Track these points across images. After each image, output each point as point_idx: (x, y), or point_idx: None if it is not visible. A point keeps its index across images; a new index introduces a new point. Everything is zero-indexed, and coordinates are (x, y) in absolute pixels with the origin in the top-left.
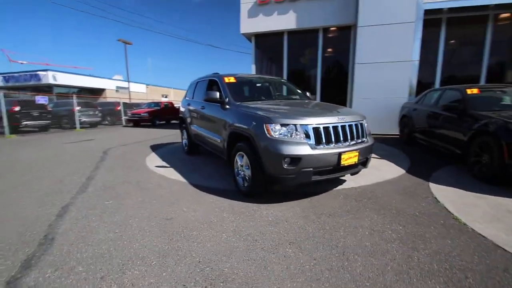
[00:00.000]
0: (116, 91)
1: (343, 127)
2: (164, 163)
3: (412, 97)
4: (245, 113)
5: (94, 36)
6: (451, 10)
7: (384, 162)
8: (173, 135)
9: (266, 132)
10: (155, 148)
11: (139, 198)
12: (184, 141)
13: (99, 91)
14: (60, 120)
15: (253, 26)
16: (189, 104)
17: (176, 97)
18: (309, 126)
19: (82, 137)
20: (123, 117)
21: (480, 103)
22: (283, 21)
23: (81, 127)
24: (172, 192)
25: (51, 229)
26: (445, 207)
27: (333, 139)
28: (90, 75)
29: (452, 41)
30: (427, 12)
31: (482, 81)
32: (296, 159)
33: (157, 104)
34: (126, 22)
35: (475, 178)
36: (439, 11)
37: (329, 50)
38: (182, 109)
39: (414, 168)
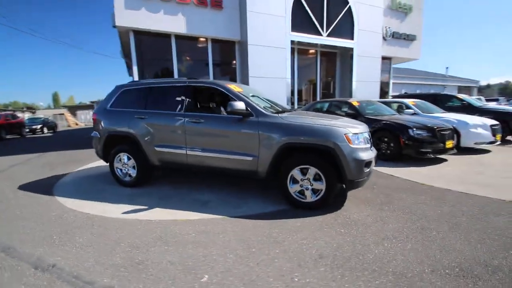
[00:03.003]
0: None
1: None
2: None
3: (292, 106)
4: (309, 125)
5: None
6: (298, 43)
7: None
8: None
9: (347, 142)
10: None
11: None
12: (127, 169)
13: None
14: None
15: (132, 19)
16: (142, 118)
17: None
18: (365, 134)
19: None
20: None
21: (363, 110)
22: (171, 22)
23: None
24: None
25: None
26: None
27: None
28: None
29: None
30: (292, 42)
31: (318, 94)
32: (369, 163)
33: None
34: None
35: (383, 160)
36: (293, 42)
37: (218, 60)
38: (118, 127)
39: None
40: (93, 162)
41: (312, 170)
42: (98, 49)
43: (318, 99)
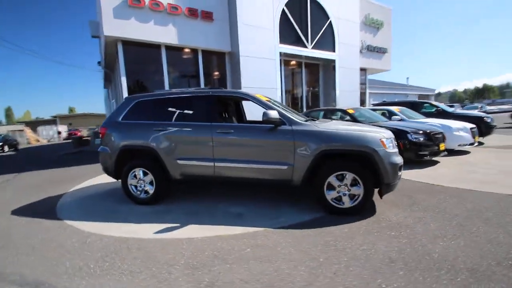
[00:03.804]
0: None
1: None
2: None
3: None
4: (345, 132)
5: None
6: (285, 54)
7: None
8: None
9: (383, 147)
10: None
11: None
12: (143, 186)
13: None
14: None
15: (121, 29)
16: (162, 130)
17: None
18: (393, 139)
19: None
20: None
21: (358, 117)
22: (161, 33)
23: None
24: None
25: None
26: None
27: None
28: None
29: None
30: (280, 53)
31: (304, 103)
32: (401, 166)
33: None
34: None
35: None
36: (281, 54)
37: (209, 71)
38: (134, 140)
39: None
40: (86, 180)
41: (350, 176)
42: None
43: (304, 108)
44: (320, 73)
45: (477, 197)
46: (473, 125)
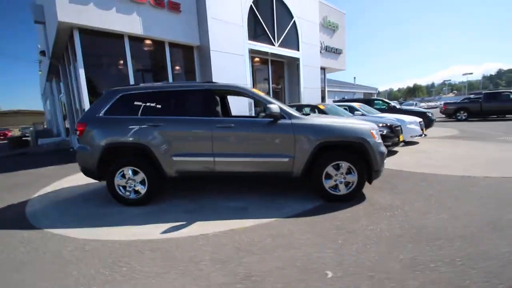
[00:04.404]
0: None
1: None
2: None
3: (253, 111)
4: (340, 125)
5: None
6: (253, 51)
7: None
8: None
9: (373, 138)
10: None
11: None
12: (133, 185)
13: None
14: None
15: (79, 15)
16: (156, 126)
17: None
18: (377, 130)
19: None
20: None
21: (328, 113)
22: (124, 22)
23: None
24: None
25: None
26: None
27: None
28: None
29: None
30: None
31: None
32: (385, 154)
33: None
34: None
35: None
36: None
37: (177, 65)
38: (122, 136)
39: None
40: (51, 184)
41: (345, 165)
42: None
43: None
44: (285, 71)
45: (441, 179)
46: (420, 119)
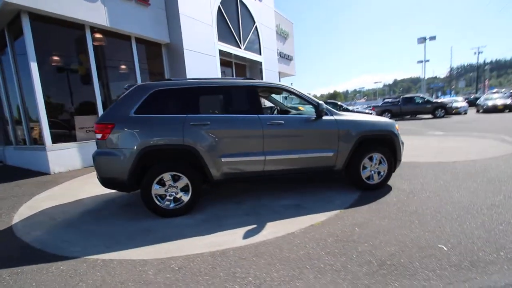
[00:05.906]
0: None
1: None
2: None
3: None
4: (374, 121)
5: None
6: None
7: None
8: None
9: (397, 131)
10: None
11: None
12: (174, 194)
13: None
14: None
15: None
16: (203, 125)
17: None
18: None
19: None
20: None
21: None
22: (86, 10)
23: None
24: None
25: None
26: None
27: None
28: None
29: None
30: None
31: None
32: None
33: None
34: None
35: None
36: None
37: (144, 63)
38: (164, 138)
39: None
40: (24, 204)
41: (378, 156)
42: None
43: None
44: (247, 74)
45: (437, 166)
46: None
